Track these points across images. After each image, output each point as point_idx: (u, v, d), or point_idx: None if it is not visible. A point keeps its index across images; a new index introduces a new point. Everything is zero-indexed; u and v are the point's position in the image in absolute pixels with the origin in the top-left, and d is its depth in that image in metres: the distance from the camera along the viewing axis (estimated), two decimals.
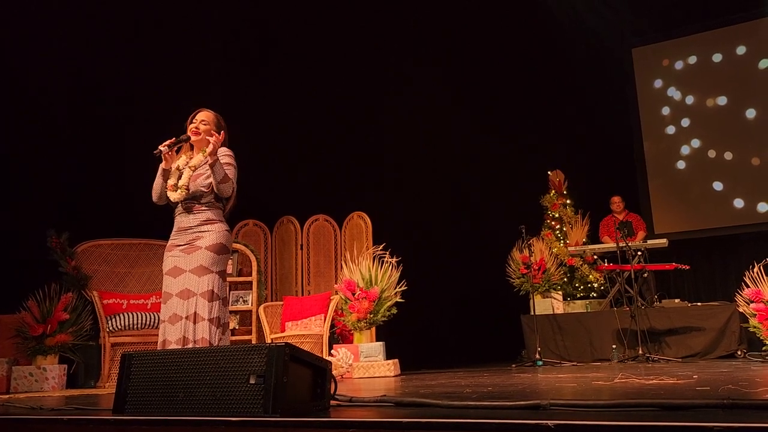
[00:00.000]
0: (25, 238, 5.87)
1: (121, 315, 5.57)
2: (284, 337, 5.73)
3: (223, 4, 7.47)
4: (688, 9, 8.23)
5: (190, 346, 3.14)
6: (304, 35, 8.05)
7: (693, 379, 3.10)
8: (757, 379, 2.97)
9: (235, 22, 7.67)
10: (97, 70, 6.51)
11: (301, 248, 7.01)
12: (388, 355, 5.39)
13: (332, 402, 2.24)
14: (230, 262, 6.12)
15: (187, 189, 3.30)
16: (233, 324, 5.99)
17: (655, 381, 2.99)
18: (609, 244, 6.81)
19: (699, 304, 6.28)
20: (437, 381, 3.89)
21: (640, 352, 5.41)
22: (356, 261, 5.69)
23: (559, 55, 8.39)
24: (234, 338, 5.92)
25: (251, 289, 6.12)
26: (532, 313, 6.33)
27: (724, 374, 3.41)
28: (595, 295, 7.30)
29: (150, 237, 6.19)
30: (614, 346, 5.77)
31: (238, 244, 6.24)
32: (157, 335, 5.47)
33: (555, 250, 7.29)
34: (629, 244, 6.20)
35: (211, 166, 3.22)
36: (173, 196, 3.32)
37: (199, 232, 3.27)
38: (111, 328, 5.51)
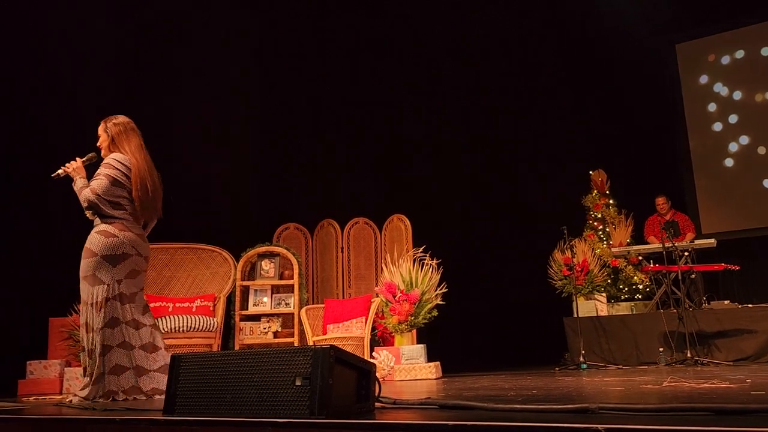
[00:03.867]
0: (76, 242, 6.02)
1: (168, 318, 5.67)
2: (326, 339, 5.77)
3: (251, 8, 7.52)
4: (733, 1, 7.99)
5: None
6: (341, 41, 8.11)
7: (746, 383, 3.00)
8: None
9: (263, 30, 7.76)
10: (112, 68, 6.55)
11: (342, 251, 7.05)
12: (429, 358, 5.37)
13: (377, 404, 2.24)
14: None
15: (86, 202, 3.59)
16: (275, 326, 6.05)
17: (706, 385, 2.90)
18: (654, 245, 6.66)
19: (750, 305, 6.09)
20: (479, 384, 3.86)
21: (689, 355, 5.27)
22: (396, 263, 5.68)
23: (601, 53, 8.25)
24: (276, 341, 5.99)
25: (293, 292, 6.18)
26: (575, 315, 6.22)
27: None
28: (640, 297, 7.13)
29: (192, 241, 6.29)
30: (661, 349, 5.63)
31: (279, 248, 6.31)
32: (202, 338, 5.58)
33: (598, 251, 7.16)
34: (676, 245, 6.04)
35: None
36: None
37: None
38: None
